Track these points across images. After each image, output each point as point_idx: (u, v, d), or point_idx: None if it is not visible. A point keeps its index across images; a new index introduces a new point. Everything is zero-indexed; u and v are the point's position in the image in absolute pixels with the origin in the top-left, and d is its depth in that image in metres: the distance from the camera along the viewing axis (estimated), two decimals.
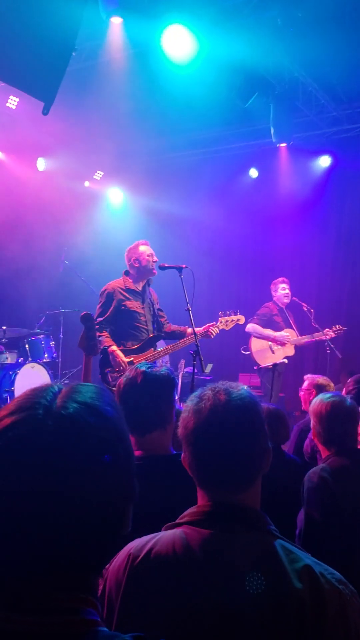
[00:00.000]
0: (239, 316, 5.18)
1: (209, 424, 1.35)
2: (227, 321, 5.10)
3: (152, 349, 4.89)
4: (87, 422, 0.86)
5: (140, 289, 4.99)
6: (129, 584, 1.28)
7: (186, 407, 1.42)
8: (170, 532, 1.34)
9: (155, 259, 5.00)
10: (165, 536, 1.33)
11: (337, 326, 6.97)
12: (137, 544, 1.34)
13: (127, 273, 5.05)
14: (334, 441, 2.64)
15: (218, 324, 5.04)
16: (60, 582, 0.83)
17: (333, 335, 6.91)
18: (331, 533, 2.29)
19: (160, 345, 5.30)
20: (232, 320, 5.14)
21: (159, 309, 5.14)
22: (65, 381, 7.79)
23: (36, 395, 0.89)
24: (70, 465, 0.82)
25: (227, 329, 5.13)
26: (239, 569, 1.23)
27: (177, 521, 1.36)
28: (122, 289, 4.91)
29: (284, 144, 8.40)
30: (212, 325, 4.94)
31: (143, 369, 2.14)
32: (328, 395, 2.75)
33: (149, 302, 5.02)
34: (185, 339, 4.91)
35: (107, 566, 1.36)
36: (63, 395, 0.89)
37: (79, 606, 0.82)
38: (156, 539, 1.33)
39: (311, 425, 2.77)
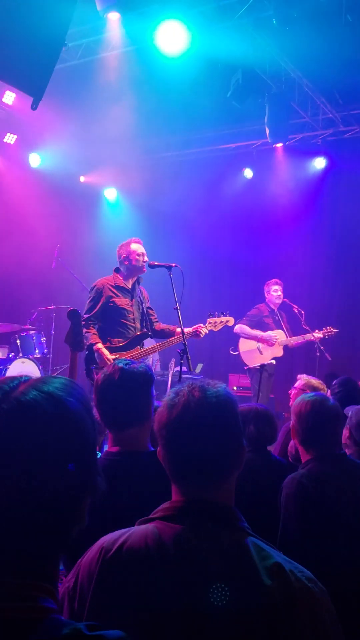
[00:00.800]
0: (227, 317, 5.16)
1: (181, 419, 1.36)
2: (215, 322, 5.09)
3: (139, 347, 4.89)
4: (44, 410, 0.87)
5: (130, 286, 5.00)
6: (100, 577, 1.29)
7: (162, 402, 1.43)
8: (143, 526, 1.35)
9: (145, 258, 5.00)
10: (137, 531, 1.34)
11: (329, 328, 6.98)
12: (109, 538, 1.35)
13: (117, 270, 5.05)
14: (312, 443, 2.52)
15: (207, 324, 5.02)
16: (16, 570, 0.83)
17: (321, 336, 6.92)
18: (308, 540, 2.23)
19: (150, 344, 5.30)
20: (221, 322, 5.12)
21: (149, 307, 5.13)
22: None
23: (1, 382, 0.91)
24: (19, 450, 0.83)
25: (215, 330, 5.11)
26: (209, 565, 1.24)
27: (150, 516, 1.37)
28: (111, 285, 4.91)
29: (279, 145, 8.41)
30: (200, 327, 4.95)
31: (120, 365, 2.16)
32: (310, 394, 2.67)
33: (138, 300, 5.02)
34: (173, 337, 4.90)
35: (79, 560, 1.37)
36: (28, 384, 0.91)
37: (35, 593, 0.83)
38: (129, 534, 1.33)
39: (291, 424, 2.68)
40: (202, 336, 4.92)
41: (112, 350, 4.72)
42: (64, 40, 3.16)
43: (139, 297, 5.04)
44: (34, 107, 3.19)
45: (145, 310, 5.05)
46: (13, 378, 0.93)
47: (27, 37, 2.98)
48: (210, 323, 5.06)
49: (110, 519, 1.56)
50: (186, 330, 4.63)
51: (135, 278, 5.03)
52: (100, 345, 4.67)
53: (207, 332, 4.96)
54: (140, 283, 5.10)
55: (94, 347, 4.65)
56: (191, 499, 1.34)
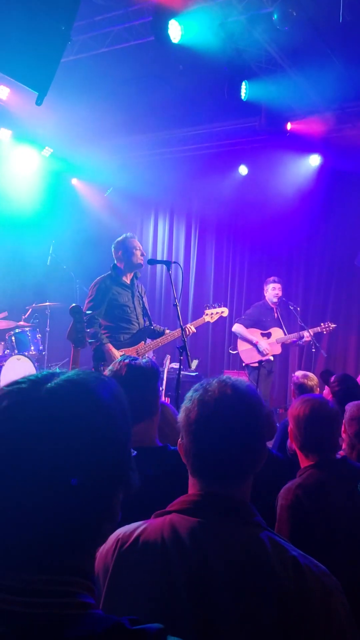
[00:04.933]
0: (222, 308, 5.38)
1: (214, 415, 1.37)
2: (212, 313, 5.28)
3: (143, 342, 4.93)
4: (75, 399, 0.88)
5: (129, 282, 5.02)
6: (116, 568, 1.30)
7: (189, 397, 1.43)
8: (159, 519, 1.36)
9: (143, 252, 5.06)
10: (154, 523, 1.35)
11: (327, 323, 7.02)
12: (125, 530, 1.36)
13: (115, 267, 5.07)
14: (311, 448, 2.44)
15: (204, 316, 5.19)
16: (50, 565, 0.83)
17: (319, 331, 6.96)
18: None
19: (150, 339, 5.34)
20: (217, 313, 5.33)
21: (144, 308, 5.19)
22: None
23: (35, 374, 0.92)
24: (50, 440, 0.83)
25: (212, 321, 5.32)
26: (225, 557, 1.25)
27: (167, 509, 1.38)
28: (112, 283, 4.93)
29: (274, 142, 8.44)
30: (195, 324, 5.08)
31: (127, 361, 2.16)
32: (308, 396, 2.60)
33: (138, 295, 5.05)
34: (173, 332, 4.98)
35: None
36: (60, 376, 0.91)
37: (74, 589, 0.83)
38: (145, 526, 1.35)
39: (289, 428, 2.58)
40: (192, 330, 4.94)
41: (119, 346, 4.76)
42: (69, 35, 3.16)
43: (138, 291, 5.07)
44: (39, 102, 3.19)
45: (144, 304, 5.09)
46: (47, 372, 0.93)
47: (32, 33, 2.97)
48: (207, 314, 5.25)
49: (121, 513, 1.56)
50: (190, 324, 4.73)
51: (132, 273, 5.07)
52: (110, 345, 4.72)
53: (195, 331, 5.00)
54: (138, 278, 5.13)
55: (104, 346, 4.68)
56: (208, 493, 1.36)
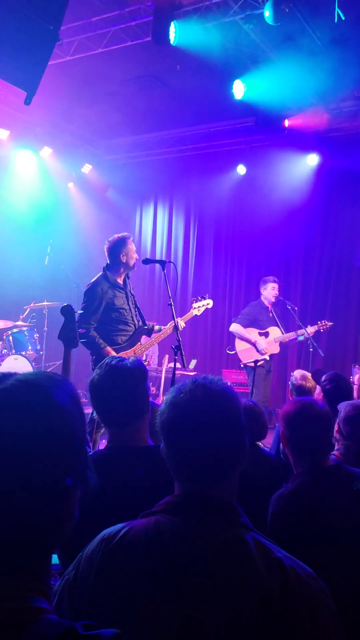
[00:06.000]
0: (207, 300, 5.45)
1: (184, 416, 1.36)
2: (199, 307, 5.34)
3: (139, 343, 4.93)
4: (27, 399, 0.87)
5: (122, 283, 4.99)
6: (101, 568, 1.30)
7: (165, 398, 1.44)
8: (145, 519, 1.36)
9: (137, 255, 5.04)
10: (139, 524, 1.35)
11: (323, 321, 7.02)
12: (111, 530, 1.36)
13: (108, 267, 4.97)
14: (303, 451, 2.35)
15: (192, 310, 5.24)
16: (6, 570, 0.82)
17: (316, 329, 6.95)
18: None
19: (144, 340, 5.34)
20: (203, 305, 5.39)
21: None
22: None
23: None
24: (2, 440, 0.83)
25: (199, 314, 5.38)
26: (207, 558, 1.24)
27: (153, 509, 1.38)
28: (107, 285, 4.85)
29: (272, 141, 8.45)
30: (184, 318, 5.08)
31: (113, 362, 2.13)
32: (298, 398, 2.53)
33: (130, 295, 5.03)
34: (165, 328, 4.99)
35: (81, 552, 1.38)
36: (13, 377, 0.91)
37: (27, 594, 0.81)
38: (130, 526, 1.35)
39: (280, 431, 2.49)
40: (181, 325, 4.85)
41: (118, 350, 4.76)
42: (58, 35, 3.16)
43: (130, 291, 5.06)
44: (28, 102, 3.18)
45: (137, 304, 5.08)
46: (3, 374, 0.93)
47: (21, 32, 2.97)
48: (194, 308, 5.31)
49: (112, 512, 1.56)
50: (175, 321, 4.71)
51: (125, 274, 5.03)
52: (109, 348, 4.69)
53: (184, 325, 4.98)
54: (129, 278, 5.10)
55: (104, 350, 4.65)
56: (191, 493, 1.35)
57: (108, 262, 4.99)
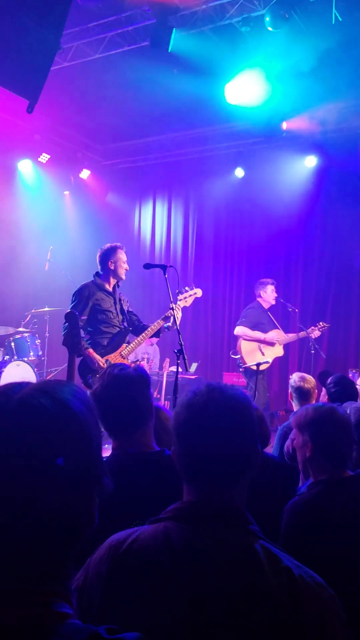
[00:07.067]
0: (195, 290, 5.25)
1: (199, 419, 1.36)
2: (185, 297, 5.17)
3: (125, 344, 4.96)
4: (45, 408, 0.88)
5: (111, 289, 5.10)
6: (109, 575, 1.29)
7: (180, 401, 1.44)
8: (153, 526, 1.35)
9: (127, 266, 5.11)
10: (148, 530, 1.34)
11: (321, 323, 7.03)
12: (119, 537, 1.35)
13: (98, 274, 5.12)
14: (321, 461, 2.22)
15: (178, 302, 5.07)
16: (25, 575, 0.82)
17: (319, 333, 6.96)
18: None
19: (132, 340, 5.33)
20: (190, 295, 5.21)
21: (129, 312, 5.22)
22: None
23: (5, 386, 0.92)
24: (23, 449, 0.83)
25: (187, 305, 5.19)
26: (216, 566, 1.24)
27: (161, 516, 1.37)
28: (95, 290, 4.98)
29: (270, 143, 8.47)
30: (170, 310, 4.92)
31: (115, 372, 2.14)
32: (316, 404, 2.39)
33: (118, 300, 5.12)
34: (152, 326, 4.99)
35: (89, 559, 1.37)
36: (29, 387, 0.92)
37: (50, 599, 0.82)
38: (139, 532, 1.34)
39: (296, 442, 2.36)
40: (177, 316, 4.78)
41: (104, 354, 4.80)
42: (59, 43, 3.17)
43: (119, 297, 5.14)
44: (30, 110, 3.20)
45: (125, 310, 5.11)
46: (15, 383, 0.93)
47: (22, 41, 2.98)
48: (180, 300, 5.12)
49: (120, 518, 1.56)
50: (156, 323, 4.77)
51: (115, 281, 5.13)
52: (90, 350, 4.74)
53: (180, 312, 4.94)
54: (119, 286, 5.19)
55: (85, 352, 4.71)
56: (202, 499, 1.35)
57: (99, 269, 5.13)
